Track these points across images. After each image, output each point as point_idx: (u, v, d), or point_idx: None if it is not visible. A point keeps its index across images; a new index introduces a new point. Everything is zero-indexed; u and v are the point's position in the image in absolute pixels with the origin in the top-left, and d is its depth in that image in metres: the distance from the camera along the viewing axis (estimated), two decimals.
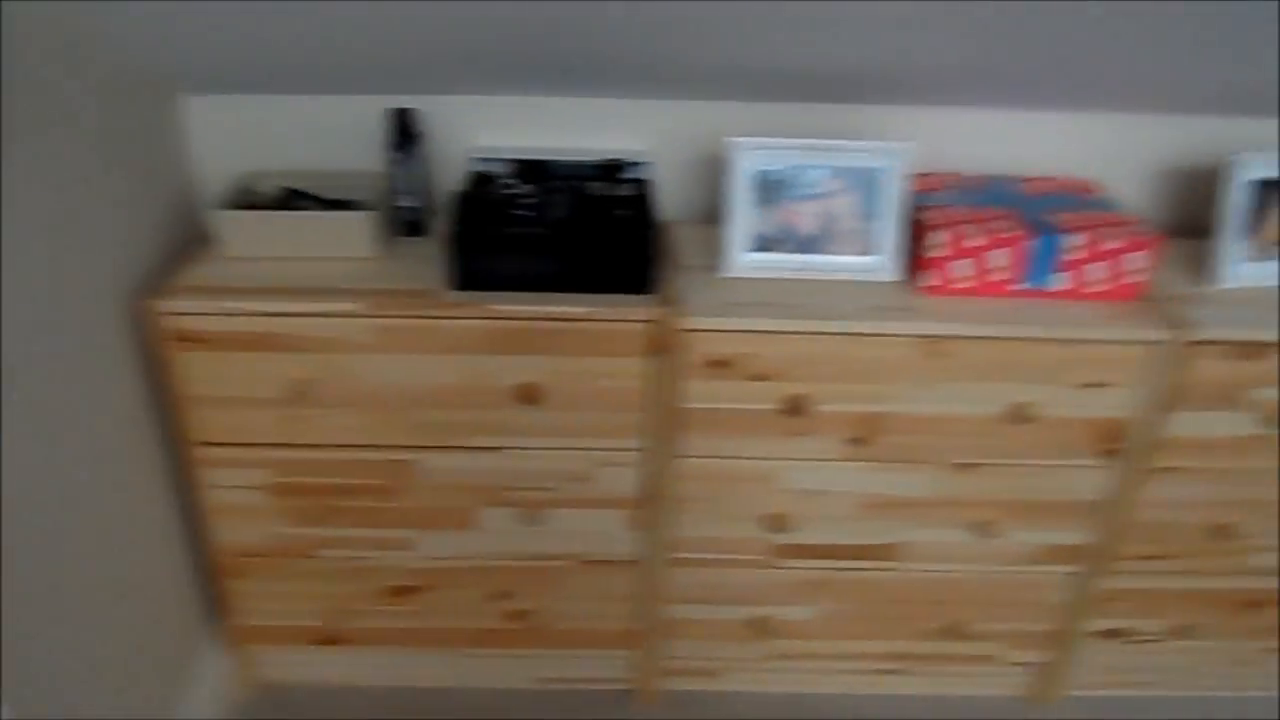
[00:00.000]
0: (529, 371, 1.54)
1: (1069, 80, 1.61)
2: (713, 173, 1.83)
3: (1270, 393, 1.55)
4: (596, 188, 1.64)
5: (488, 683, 1.96)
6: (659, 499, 1.67)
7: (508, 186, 1.63)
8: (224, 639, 1.90)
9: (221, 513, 1.69)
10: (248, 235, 1.61)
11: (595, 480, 1.66)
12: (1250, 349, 1.51)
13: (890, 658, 1.91)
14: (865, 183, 1.57)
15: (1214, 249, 1.63)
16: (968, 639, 1.87)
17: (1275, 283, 1.63)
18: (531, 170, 1.69)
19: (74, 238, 1.38)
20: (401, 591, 1.80)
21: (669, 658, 1.90)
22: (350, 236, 1.62)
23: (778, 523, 1.68)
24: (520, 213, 1.56)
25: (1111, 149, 1.82)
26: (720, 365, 1.53)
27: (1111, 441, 1.60)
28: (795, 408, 1.56)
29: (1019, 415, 1.56)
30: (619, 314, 1.49)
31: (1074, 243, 1.53)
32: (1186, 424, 1.58)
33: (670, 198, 1.85)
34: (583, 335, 1.51)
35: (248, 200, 1.70)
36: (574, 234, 1.51)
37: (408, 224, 1.72)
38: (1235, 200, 1.59)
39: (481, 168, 1.71)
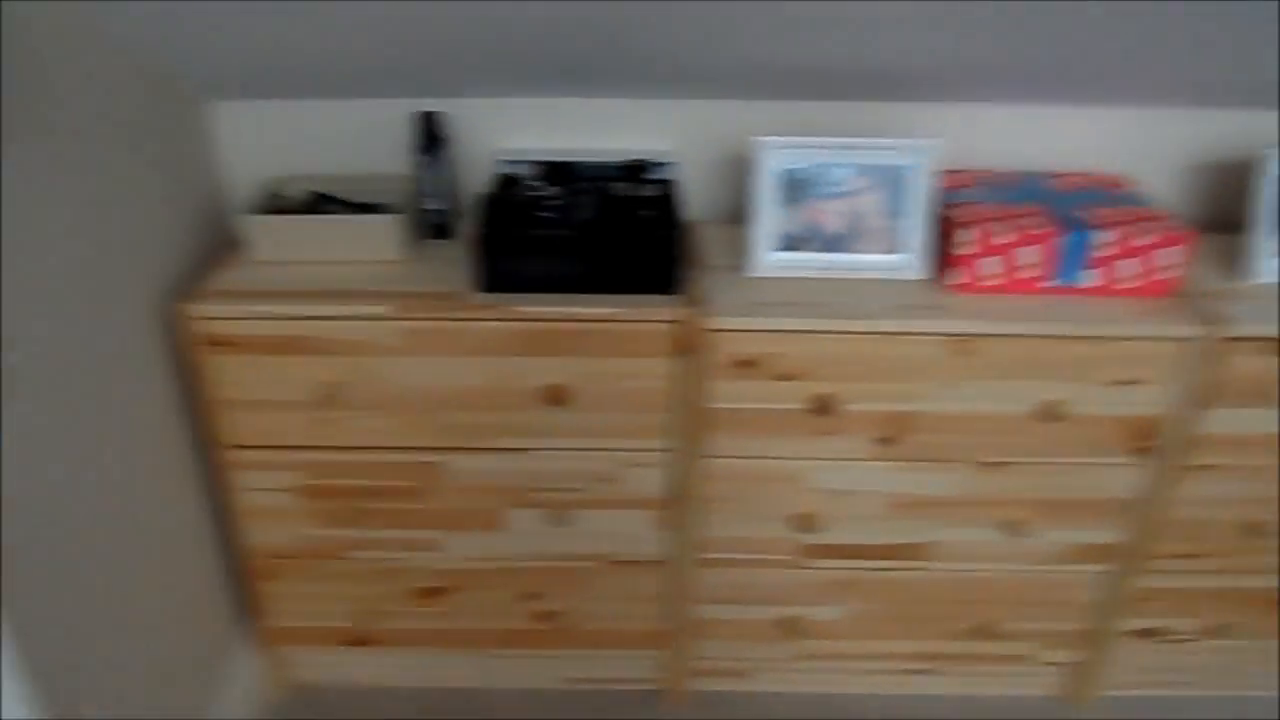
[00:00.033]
0: (556, 373, 1.54)
1: (1098, 75, 1.59)
2: (738, 172, 1.82)
3: None
4: (622, 188, 1.64)
5: (516, 683, 1.97)
6: (686, 499, 1.67)
7: (533, 188, 1.63)
8: (256, 640, 1.91)
9: (252, 515, 1.71)
10: (276, 239, 1.62)
11: (622, 481, 1.66)
12: None
13: (920, 658, 1.90)
14: (892, 180, 1.56)
15: (1246, 244, 1.61)
16: (999, 639, 1.85)
17: None
18: (557, 172, 1.69)
19: (108, 244, 1.40)
20: (430, 592, 1.81)
21: (697, 658, 1.90)
22: (377, 240, 1.63)
23: (806, 523, 1.68)
24: (546, 214, 1.56)
25: (1142, 143, 1.79)
26: (747, 365, 1.53)
27: (1144, 439, 1.58)
28: (822, 407, 1.55)
29: (1049, 413, 1.55)
30: (645, 315, 1.49)
31: (1105, 239, 1.52)
32: (1220, 421, 1.56)
33: (695, 197, 1.85)
34: (609, 336, 1.51)
35: (276, 205, 1.72)
36: (599, 235, 1.51)
37: (434, 227, 1.73)
38: (1267, 194, 1.57)
39: (507, 170, 1.72)
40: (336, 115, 1.76)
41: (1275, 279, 1.60)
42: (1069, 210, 1.58)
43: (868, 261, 1.60)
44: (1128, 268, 1.53)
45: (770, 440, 1.60)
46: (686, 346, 1.51)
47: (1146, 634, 1.85)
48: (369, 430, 1.61)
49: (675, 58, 1.54)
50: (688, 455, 1.62)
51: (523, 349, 1.52)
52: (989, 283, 1.56)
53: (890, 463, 1.62)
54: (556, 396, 1.55)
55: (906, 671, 1.93)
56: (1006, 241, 1.52)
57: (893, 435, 1.59)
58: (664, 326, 1.50)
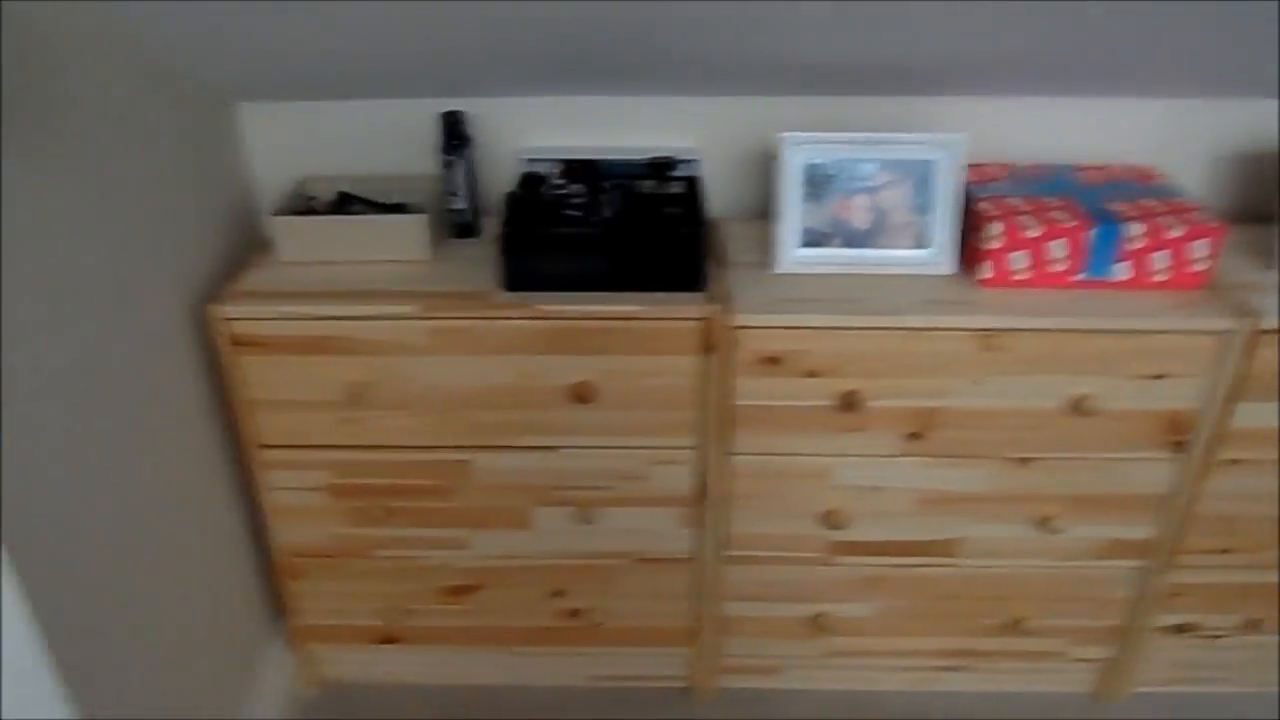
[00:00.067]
0: (582, 371, 1.55)
1: (1126, 66, 1.58)
2: (762, 168, 1.82)
3: None
4: (646, 186, 1.64)
5: (543, 681, 1.97)
6: (713, 496, 1.67)
7: (558, 187, 1.63)
8: (286, 638, 1.93)
9: (281, 514, 1.72)
10: (303, 240, 1.63)
11: (649, 478, 1.66)
12: None
13: (949, 654, 1.89)
14: (917, 175, 1.56)
15: (1277, 235, 1.59)
16: (1029, 635, 1.84)
17: None
18: (581, 170, 1.69)
19: (138, 246, 1.41)
20: (458, 590, 1.82)
21: (724, 655, 1.90)
22: (403, 239, 1.64)
23: (833, 519, 1.67)
24: (571, 212, 1.56)
25: (1171, 135, 1.78)
26: (773, 362, 1.52)
27: (1175, 434, 1.57)
28: (849, 404, 1.55)
29: (1079, 408, 1.54)
30: (670, 312, 1.49)
31: (1134, 231, 1.50)
32: (1253, 415, 1.54)
33: (720, 194, 1.84)
34: (634, 334, 1.51)
35: (302, 205, 1.73)
36: (624, 233, 1.51)
37: (460, 226, 1.73)
38: None
39: (531, 168, 1.72)
40: (362, 116, 1.77)
41: None
42: (1098, 203, 1.57)
43: (894, 257, 1.59)
44: (1158, 260, 1.52)
45: (797, 437, 1.59)
46: (712, 344, 1.51)
47: (1178, 630, 1.83)
48: (396, 429, 1.61)
49: (699, 55, 1.54)
50: (714, 452, 1.62)
51: (548, 347, 1.53)
52: (1017, 277, 1.54)
53: (918, 458, 1.61)
54: (582, 394, 1.55)
55: (935, 668, 1.92)
56: (1035, 235, 1.51)
57: (920, 431, 1.58)
58: (689, 324, 1.50)
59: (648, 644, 1.89)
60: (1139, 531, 1.69)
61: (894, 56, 1.54)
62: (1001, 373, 1.52)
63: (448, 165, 1.69)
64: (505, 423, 1.60)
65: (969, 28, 1.43)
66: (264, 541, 1.80)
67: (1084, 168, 1.72)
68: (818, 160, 1.56)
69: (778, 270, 1.60)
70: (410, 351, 1.54)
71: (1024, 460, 1.61)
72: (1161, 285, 1.53)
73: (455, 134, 1.67)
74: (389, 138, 1.79)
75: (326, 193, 1.77)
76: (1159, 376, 1.51)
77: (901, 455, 1.61)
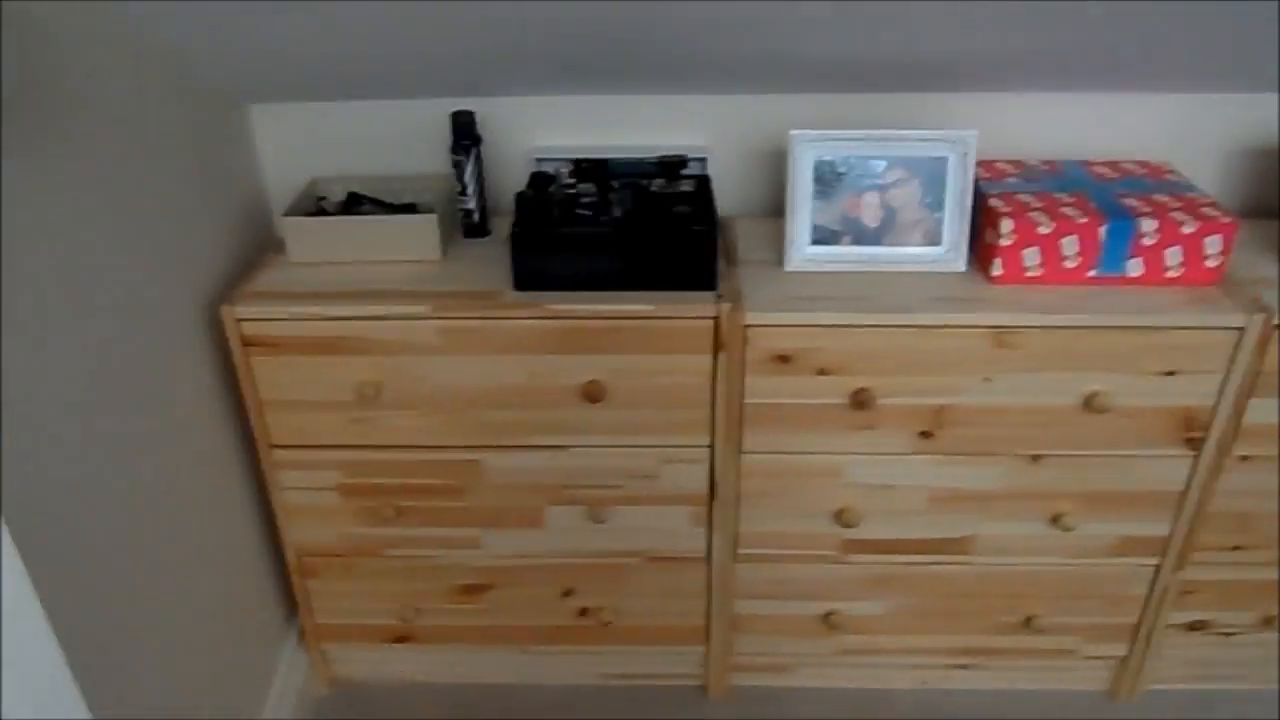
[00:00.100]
0: (593, 370, 1.55)
1: (1138, 61, 1.57)
2: (772, 166, 1.82)
3: None
4: (657, 184, 1.64)
5: (556, 679, 1.97)
6: (724, 495, 1.67)
7: (568, 186, 1.63)
8: (299, 637, 1.94)
9: (293, 513, 1.73)
10: (313, 240, 1.63)
11: (661, 477, 1.66)
12: None
13: (962, 653, 1.88)
14: (928, 172, 1.55)
15: None
16: (1043, 633, 1.83)
17: None
18: (592, 169, 1.69)
19: (151, 247, 1.42)
20: (470, 590, 1.82)
21: (737, 653, 1.90)
22: (414, 239, 1.64)
23: (845, 517, 1.67)
24: (581, 212, 1.56)
25: (1183, 130, 1.77)
26: (783, 360, 1.52)
27: (1190, 430, 1.56)
28: (860, 402, 1.54)
29: (1092, 405, 1.53)
30: (681, 311, 1.49)
31: (1147, 227, 1.49)
32: (1266, 411, 1.54)
33: (730, 192, 1.84)
34: (646, 333, 1.51)
35: (313, 206, 1.73)
36: (635, 231, 1.51)
37: (470, 226, 1.73)
38: None
39: (541, 168, 1.72)
40: (372, 116, 1.78)
41: None
42: (1110, 199, 1.56)
43: (904, 254, 1.59)
44: (1170, 257, 1.51)
45: (808, 435, 1.59)
46: (723, 342, 1.51)
47: (1192, 627, 1.82)
48: (407, 429, 1.62)
49: (708, 53, 1.54)
50: (725, 451, 1.62)
51: (560, 346, 1.53)
52: (1029, 274, 1.54)
53: (930, 456, 1.61)
54: (593, 394, 1.55)
55: (947, 667, 1.92)
56: (1046, 232, 1.51)
57: (932, 429, 1.58)
58: (700, 323, 1.50)
59: (659, 642, 1.89)
60: (1152, 528, 1.68)
61: (904, 53, 1.54)
62: (1013, 370, 1.51)
63: (458, 165, 1.69)
64: (516, 422, 1.60)
65: (978, 24, 1.43)
66: (276, 541, 1.81)
67: (1096, 163, 1.72)
68: (828, 158, 1.55)
69: (788, 268, 1.60)
70: (421, 351, 1.54)
71: (1036, 458, 1.61)
72: (1174, 281, 1.53)
73: (465, 134, 1.67)
74: (399, 138, 1.79)
75: (337, 193, 1.77)
76: (1172, 373, 1.50)
77: (913, 453, 1.61)
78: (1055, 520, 1.67)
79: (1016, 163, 1.72)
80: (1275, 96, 1.72)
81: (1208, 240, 1.49)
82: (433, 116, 1.76)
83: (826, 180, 1.56)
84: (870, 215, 1.58)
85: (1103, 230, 1.50)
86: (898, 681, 1.95)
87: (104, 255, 1.30)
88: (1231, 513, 1.65)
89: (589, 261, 1.52)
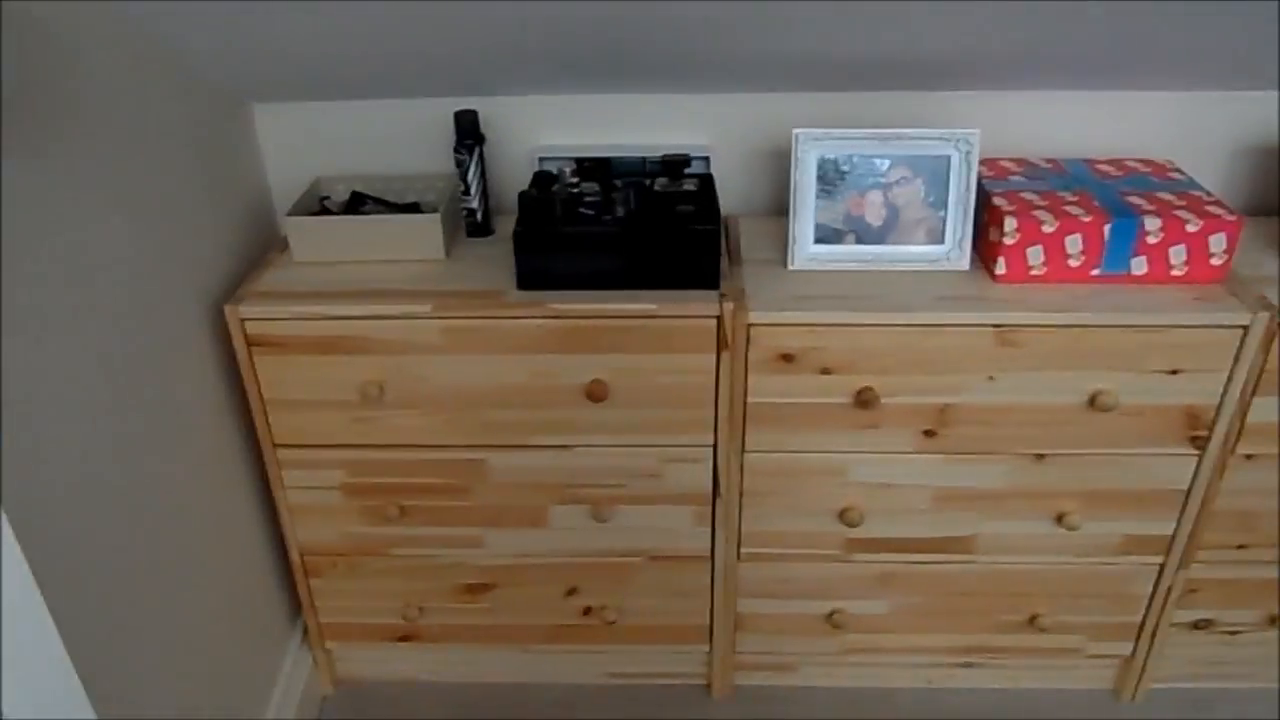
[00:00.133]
0: (596, 369, 1.55)
1: (1142, 58, 1.57)
2: (776, 165, 1.81)
3: None
4: (660, 184, 1.64)
5: (560, 678, 1.97)
6: (728, 494, 1.67)
7: (571, 185, 1.63)
8: (303, 636, 1.94)
9: (298, 513, 1.73)
10: (317, 240, 1.64)
11: (664, 476, 1.66)
12: None
13: (966, 651, 1.88)
14: (932, 170, 1.55)
15: None
16: (1047, 632, 1.83)
17: None
18: (594, 168, 1.69)
19: (155, 246, 1.42)
20: (474, 589, 1.82)
21: (740, 652, 1.90)
22: (418, 239, 1.64)
23: (848, 516, 1.67)
24: (584, 211, 1.56)
25: (1188, 128, 1.76)
26: (787, 359, 1.52)
27: (1194, 429, 1.56)
28: (864, 401, 1.54)
29: (1096, 404, 1.53)
30: (685, 310, 1.49)
31: (1151, 226, 1.49)
32: (1271, 409, 1.53)
33: (733, 191, 1.84)
34: (649, 332, 1.51)
35: (316, 205, 1.73)
36: (638, 231, 1.51)
37: (474, 225, 1.74)
38: None
39: (545, 167, 1.72)
40: (376, 116, 1.78)
41: None
42: (1114, 197, 1.56)
43: (908, 253, 1.59)
44: (1175, 255, 1.51)
45: (812, 434, 1.59)
46: (726, 341, 1.51)
47: (1196, 626, 1.82)
48: (411, 429, 1.62)
49: (712, 52, 1.54)
50: (729, 450, 1.62)
51: (563, 346, 1.53)
52: (1033, 272, 1.54)
53: (933, 455, 1.61)
54: (597, 393, 1.55)
55: (951, 665, 1.92)
56: (1050, 230, 1.50)
57: (936, 428, 1.58)
58: (704, 322, 1.50)
59: (663, 642, 1.89)
60: (1156, 527, 1.68)
61: (907, 51, 1.54)
62: (1017, 369, 1.51)
63: (461, 165, 1.69)
64: (519, 421, 1.61)
65: (980, 23, 1.43)
66: (280, 540, 1.81)
67: (1100, 162, 1.71)
68: (831, 156, 1.55)
69: (792, 267, 1.60)
70: (425, 351, 1.54)
71: (1040, 456, 1.60)
72: (1179, 280, 1.53)
73: (468, 133, 1.67)
74: (402, 137, 1.80)
75: (340, 193, 1.77)
76: (1176, 371, 1.50)
77: (917, 452, 1.61)
78: (1059, 519, 1.66)
79: (1020, 161, 1.72)
80: (1278, 94, 1.72)
81: (1212, 238, 1.49)
82: (436, 116, 1.76)
83: (830, 179, 1.56)
84: (873, 214, 1.58)
85: (1107, 228, 1.49)
86: (901, 680, 1.95)
87: (107, 255, 1.30)
88: (1236, 511, 1.65)
89: (592, 261, 1.52)
